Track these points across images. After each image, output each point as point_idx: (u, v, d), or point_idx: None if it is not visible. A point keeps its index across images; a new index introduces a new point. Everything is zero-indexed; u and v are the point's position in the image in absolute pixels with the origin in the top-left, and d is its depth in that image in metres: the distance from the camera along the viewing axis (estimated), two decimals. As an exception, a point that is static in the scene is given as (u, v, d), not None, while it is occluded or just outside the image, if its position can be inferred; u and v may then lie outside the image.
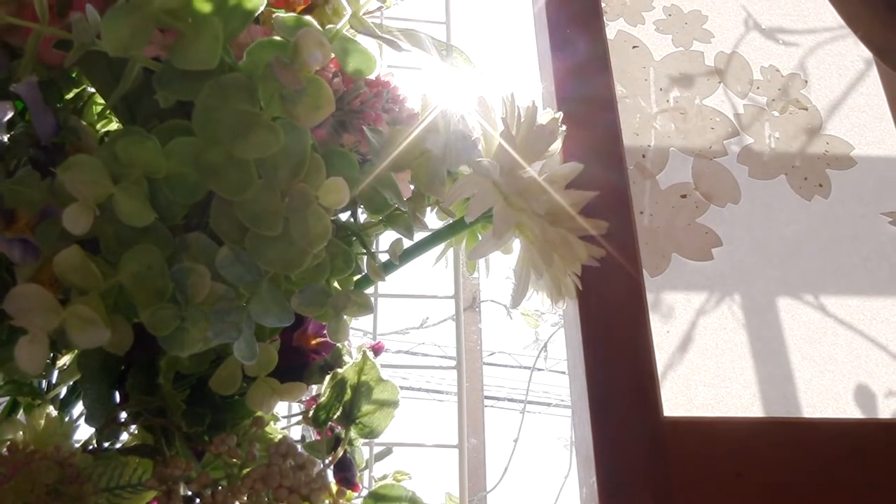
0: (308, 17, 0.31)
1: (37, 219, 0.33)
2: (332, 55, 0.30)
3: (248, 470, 0.39)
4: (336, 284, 0.39)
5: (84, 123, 0.42)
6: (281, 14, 0.31)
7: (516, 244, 0.55)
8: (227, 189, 0.29)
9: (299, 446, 0.42)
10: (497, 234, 0.48)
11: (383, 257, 0.51)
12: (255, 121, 0.28)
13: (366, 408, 0.49)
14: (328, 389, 0.47)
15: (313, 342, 0.46)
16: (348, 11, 0.32)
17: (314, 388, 0.51)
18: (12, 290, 0.27)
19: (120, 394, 0.43)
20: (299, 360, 0.45)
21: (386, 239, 0.58)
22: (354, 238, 0.43)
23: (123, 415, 0.44)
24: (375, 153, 0.35)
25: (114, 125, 0.48)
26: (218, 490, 0.38)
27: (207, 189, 0.29)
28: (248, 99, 0.28)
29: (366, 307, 0.36)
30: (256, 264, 0.30)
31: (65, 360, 0.47)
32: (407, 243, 0.49)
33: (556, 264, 0.51)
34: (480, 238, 0.58)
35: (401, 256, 0.46)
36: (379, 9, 0.63)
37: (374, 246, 0.54)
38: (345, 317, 0.36)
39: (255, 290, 0.31)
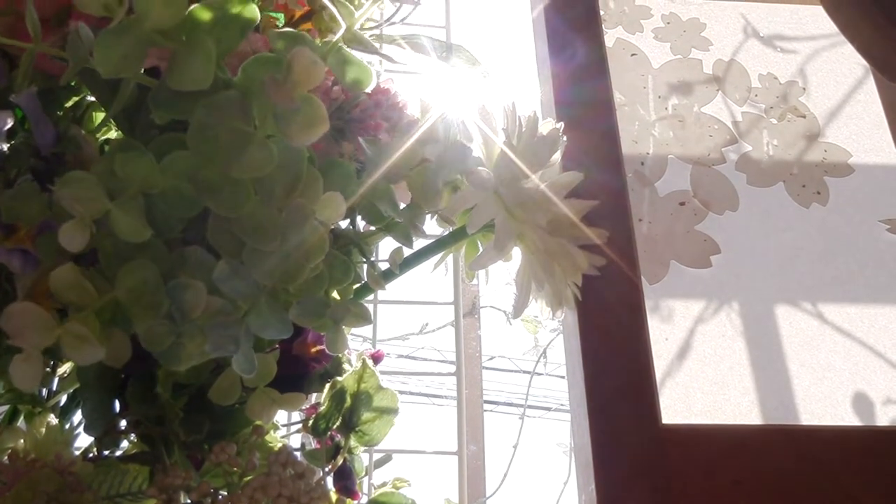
0: (303, 33, 0.30)
1: (37, 230, 0.33)
2: (327, 68, 0.30)
3: (248, 479, 0.39)
4: (335, 294, 0.39)
5: (85, 133, 0.42)
6: (276, 30, 0.31)
7: (517, 251, 0.55)
8: (223, 206, 0.29)
9: (299, 455, 0.43)
10: (498, 247, 0.48)
11: (383, 265, 0.51)
12: (249, 140, 0.28)
13: (365, 416, 0.49)
14: (328, 398, 0.47)
15: (313, 350, 0.46)
16: (343, 26, 0.32)
17: (314, 397, 0.52)
18: (7, 308, 0.27)
19: (120, 402, 0.43)
20: (299, 369, 0.45)
21: (386, 246, 0.58)
22: (353, 247, 0.43)
23: (123, 423, 0.44)
24: (371, 164, 0.35)
25: (114, 133, 0.48)
26: (218, 499, 0.38)
27: (204, 204, 0.29)
28: (243, 117, 0.28)
29: (364, 318, 0.36)
30: (254, 278, 0.31)
31: (65, 368, 0.47)
32: (407, 251, 0.49)
33: (557, 275, 0.52)
34: (480, 246, 0.58)
35: (401, 265, 0.46)
36: (379, 26, 0.63)
37: (373, 254, 0.55)
38: (343, 327, 0.36)
39: (253, 304, 0.31)
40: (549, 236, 0.50)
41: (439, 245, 0.54)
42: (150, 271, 0.29)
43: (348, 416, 0.48)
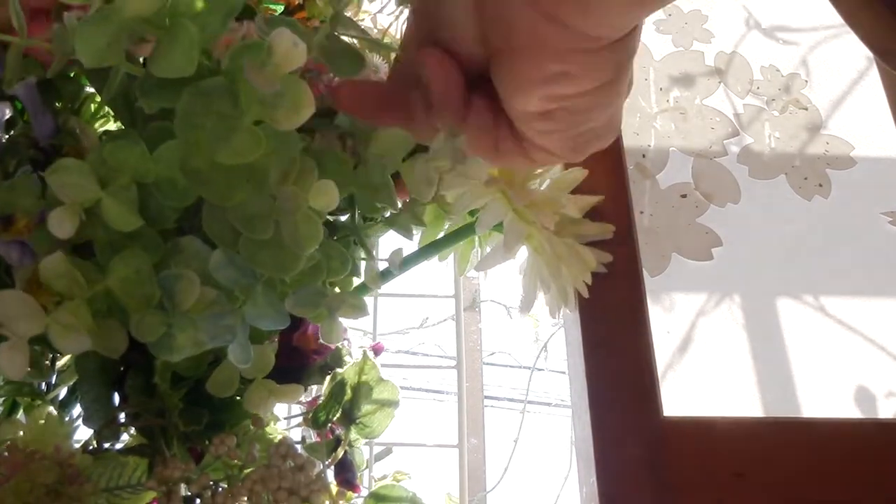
0: (289, 18, 0.30)
1: (35, 221, 0.33)
2: (308, 55, 0.29)
3: (248, 471, 0.39)
4: (336, 286, 0.39)
5: (85, 123, 0.42)
6: (263, 15, 0.31)
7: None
8: (215, 195, 0.28)
9: (299, 447, 0.42)
10: (508, 248, 0.48)
11: (384, 263, 0.51)
12: (235, 126, 0.27)
13: (366, 408, 0.49)
14: (328, 390, 0.47)
15: (314, 343, 0.46)
16: (331, 11, 0.32)
17: (314, 390, 0.51)
18: None
19: (119, 395, 0.43)
20: (299, 361, 0.45)
21: (387, 240, 0.58)
22: (354, 241, 0.43)
23: (123, 416, 0.44)
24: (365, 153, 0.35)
25: (111, 124, 0.48)
26: (218, 492, 0.38)
27: (196, 193, 0.29)
28: (230, 103, 0.28)
29: (361, 309, 0.36)
30: (250, 267, 0.30)
31: (64, 360, 0.47)
32: (410, 247, 0.48)
33: (564, 275, 0.52)
34: (477, 243, 0.58)
35: (401, 264, 0.46)
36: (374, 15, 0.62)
37: (374, 248, 0.54)
38: (339, 318, 0.36)
39: (249, 294, 0.31)
40: (556, 239, 0.50)
41: (442, 243, 0.54)
42: (141, 261, 0.29)
43: (349, 408, 0.48)
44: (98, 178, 0.29)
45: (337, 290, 0.41)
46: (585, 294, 0.55)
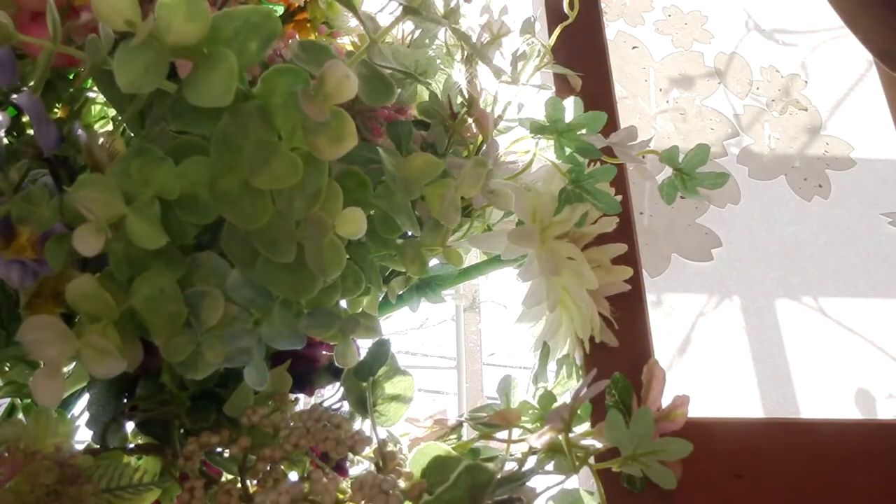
0: (329, 45, 0.30)
1: (37, 236, 0.32)
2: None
3: (284, 433, 0.37)
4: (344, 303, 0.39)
5: (95, 130, 0.41)
6: (297, 39, 0.31)
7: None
8: (241, 218, 0.28)
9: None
10: (549, 308, 0.49)
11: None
12: (274, 150, 0.27)
13: (382, 397, 0.48)
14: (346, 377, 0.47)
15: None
16: (367, 39, 0.31)
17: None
18: (25, 320, 0.26)
19: (128, 400, 0.43)
20: (306, 366, 0.44)
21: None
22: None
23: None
24: (390, 176, 0.34)
25: (112, 126, 0.48)
26: (262, 452, 0.36)
27: (220, 213, 0.28)
28: (268, 128, 0.27)
29: (375, 331, 0.35)
30: (267, 288, 0.30)
31: (67, 368, 0.47)
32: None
33: (583, 327, 0.53)
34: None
35: (403, 297, 0.46)
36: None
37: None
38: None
39: (266, 313, 0.31)
40: (584, 295, 0.51)
41: (443, 281, 0.54)
42: (167, 280, 0.28)
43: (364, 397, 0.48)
44: (122, 194, 0.28)
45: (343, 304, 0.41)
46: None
